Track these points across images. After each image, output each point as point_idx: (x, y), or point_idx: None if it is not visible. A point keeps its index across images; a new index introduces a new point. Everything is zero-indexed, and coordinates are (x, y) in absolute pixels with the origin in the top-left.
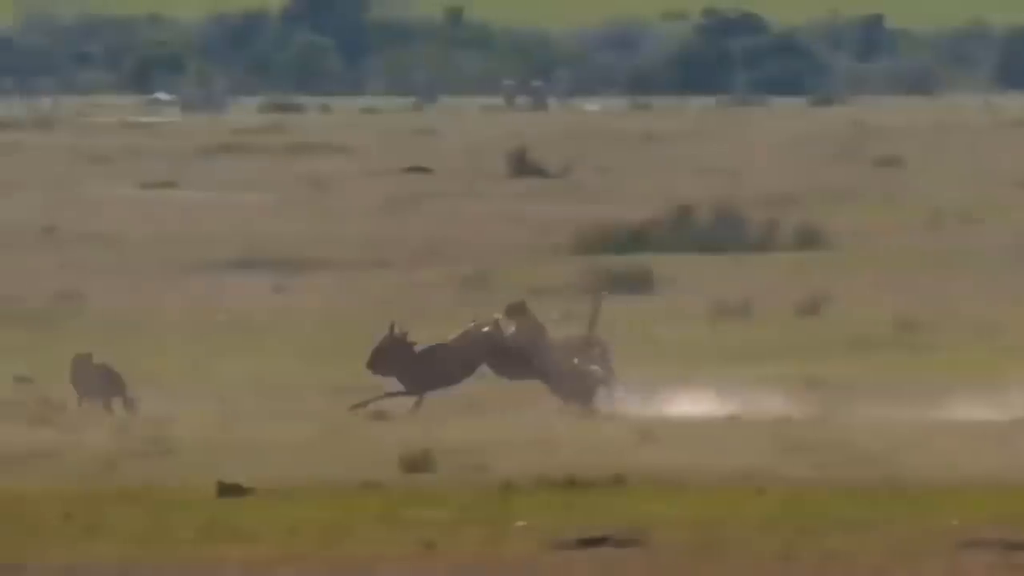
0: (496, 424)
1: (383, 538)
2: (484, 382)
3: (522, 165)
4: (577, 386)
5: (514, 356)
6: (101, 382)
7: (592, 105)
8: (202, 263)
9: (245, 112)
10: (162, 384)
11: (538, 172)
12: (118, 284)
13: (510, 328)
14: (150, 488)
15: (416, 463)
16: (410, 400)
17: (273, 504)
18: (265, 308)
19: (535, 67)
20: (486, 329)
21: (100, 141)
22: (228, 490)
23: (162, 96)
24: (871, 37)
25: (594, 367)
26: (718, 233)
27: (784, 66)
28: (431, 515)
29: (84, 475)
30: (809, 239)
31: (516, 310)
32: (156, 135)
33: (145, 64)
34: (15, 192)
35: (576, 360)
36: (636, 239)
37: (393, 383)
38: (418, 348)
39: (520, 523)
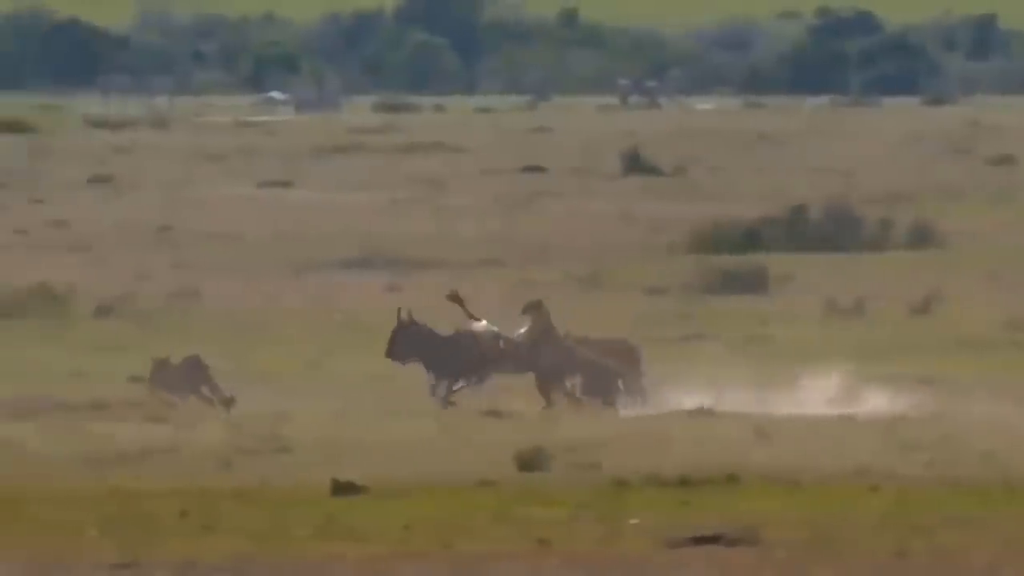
0: (609, 422)
1: (498, 536)
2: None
3: (636, 164)
4: (596, 384)
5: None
6: (182, 376)
7: (705, 104)
8: (317, 262)
9: (359, 112)
10: (277, 382)
11: (652, 171)
12: (233, 283)
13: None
14: (265, 486)
15: (530, 461)
16: (527, 397)
17: (387, 502)
18: (379, 307)
19: (649, 66)
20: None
21: (215, 141)
22: (343, 488)
23: (276, 96)
24: (984, 37)
25: (614, 367)
26: (831, 232)
27: (897, 66)
28: (545, 513)
29: (200, 473)
30: (922, 238)
31: (532, 307)
32: (271, 135)
33: (260, 64)
34: (131, 191)
35: (596, 360)
36: (750, 238)
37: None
38: (443, 333)
39: (633, 521)
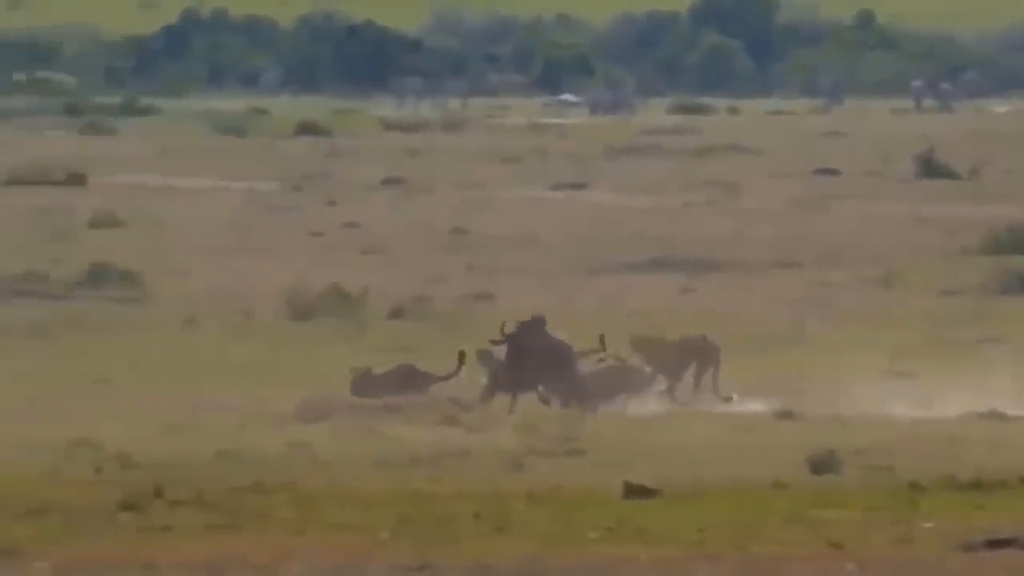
0: (902, 424)
1: (791, 538)
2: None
3: (930, 167)
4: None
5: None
6: (387, 386)
7: (1000, 107)
8: (610, 264)
9: (653, 113)
10: None
11: (946, 174)
12: (527, 285)
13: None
14: (557, 488)
15: (823, 464)
16: (816, 398)
17: (680, 505)
18: (672, 309)
19: (942, 69)
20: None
21: (508, 143)
22: (635, 491)
23: (569, 98)
24: None
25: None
26: None
27: None
28: (838, 516)
29: (492, 475)
30: None
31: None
32: (564, 137)
33: (552, 65)
34: (424, 193)
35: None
36: None
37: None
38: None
39: (927, 524)
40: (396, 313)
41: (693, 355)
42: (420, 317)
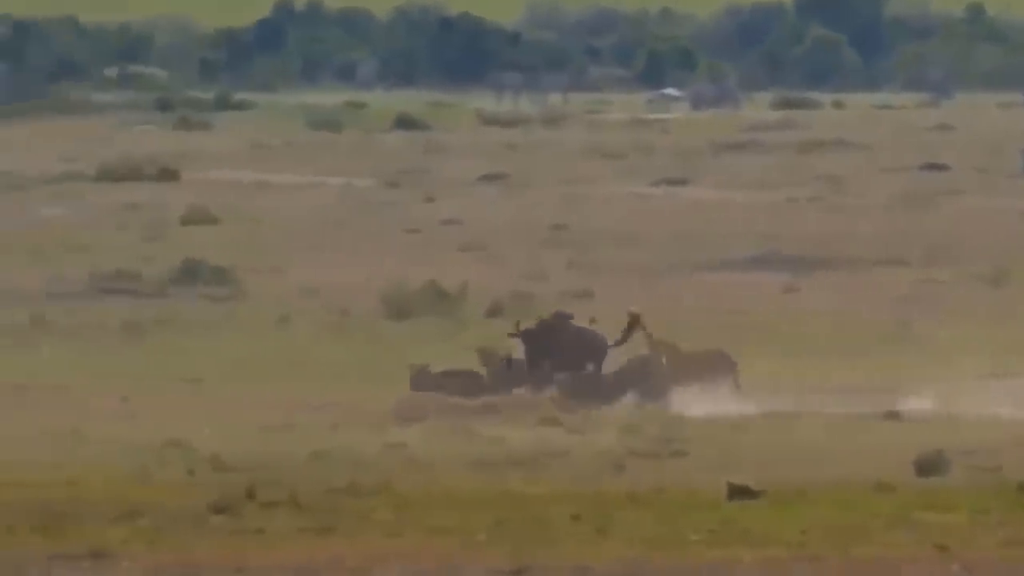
0: (1010, 425)
1: (896, 541)
2: None
3: None
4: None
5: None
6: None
7: None
8: (712, 261)
9: (757, 108)
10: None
11: None
12: (628, 282)
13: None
14: (660, 490)
15: (929, 465)
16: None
17: (784, 506)
18: (776, 308)
19: None
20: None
21: (609, 138)
22: (738, 492)
23: (672, 92)
24: None
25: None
26: None
27: None
28: (945, 518)
29: (593, 476)
30: None
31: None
32: (666, 132)
33: (655, 59)
34: (524, 189)
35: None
36: None
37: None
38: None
39: None
40: (495, 311)
41: (707, 369)
42: (519, 315)
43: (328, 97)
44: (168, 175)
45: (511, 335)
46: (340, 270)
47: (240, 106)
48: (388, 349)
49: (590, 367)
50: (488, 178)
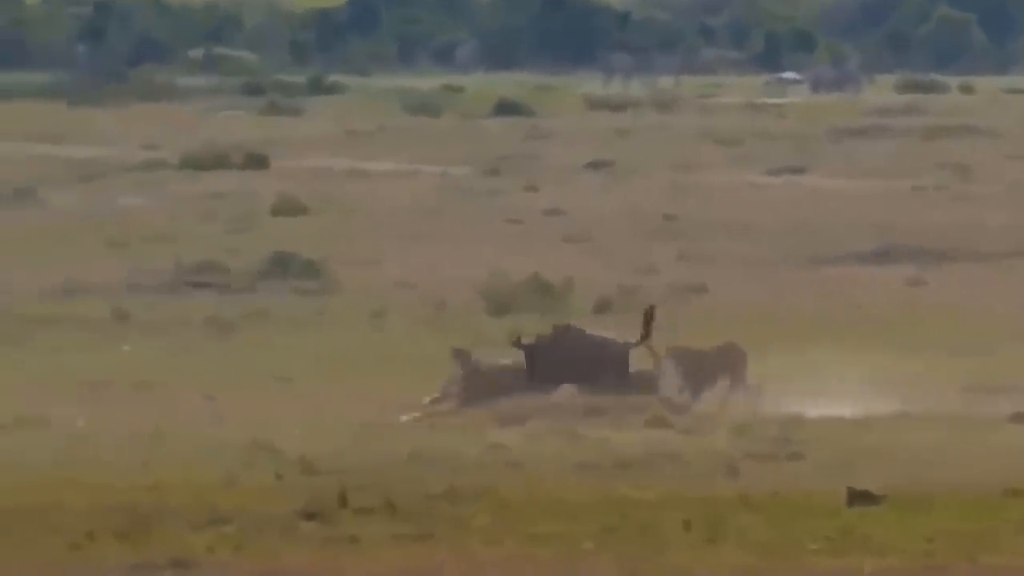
0: None
1: None
2: None
3: None
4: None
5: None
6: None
7: None
8: (831, 254)
9: (880, 91)
10: (788, 383)
11: None
12: (742, 277)
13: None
14: (776, 494)
15: None
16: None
17: (906, 512)
18: (900, 302)
19: None
20: None
21: (723, 123)
22: (859, 497)
23: (790, 75)
24: None
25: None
26: None
27: None
28: None
29: (705, 480)
30: None
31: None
32: (783, 117)
33: (772, 40)
34: (633, 177)
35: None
36: None
37: None
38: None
39: None
40: (602, 306)
41: (724, 366)
42: (628, 310)
43: (425, 80)
44: (256, 163)
45: (514, 345)
46: (437, 262)
47: (332, 90)
48: (488, 346)
49: (611, 377)
50: (594, 165)
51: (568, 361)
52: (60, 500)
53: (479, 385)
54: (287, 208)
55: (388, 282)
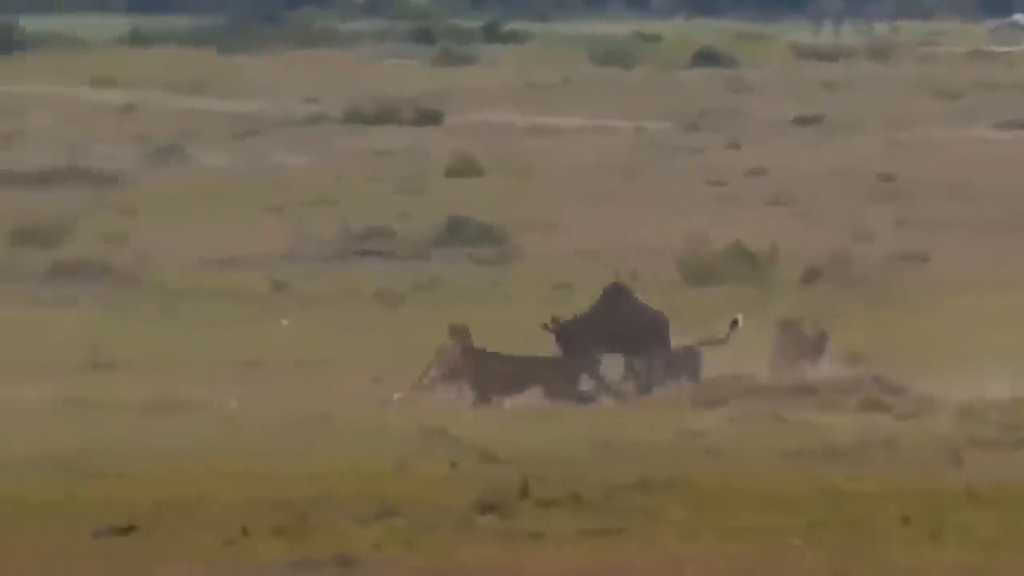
0: None
1: None
2: None
3: None
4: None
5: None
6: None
7: None
8: None
9: None
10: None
11: None
12: (967, 243)
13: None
14: (1002, 486)
15: None
16: None
17: None
18: None
19: None
20: None
21: (946, 73)
22: None
23: (1021, 19)
24: None
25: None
26: None
27: None
28: None
29: (926, 470)
30: None
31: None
32: (1013, 66)
33: None
34: (845, 134)
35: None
36: None
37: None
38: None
39: None
40: (811, 276)
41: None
42: (839, 281)
43: (616, 27)
44: (428, 118)
45: (546, 328)
46: (628, 228)
47: (512, 37)
48: (684, 320)
49: (655, 349)
50: (802, 120)
51: (613, 330)
52: (212, 491)
53: (489, 373)
54: (462, 168)
55: (573, 250)
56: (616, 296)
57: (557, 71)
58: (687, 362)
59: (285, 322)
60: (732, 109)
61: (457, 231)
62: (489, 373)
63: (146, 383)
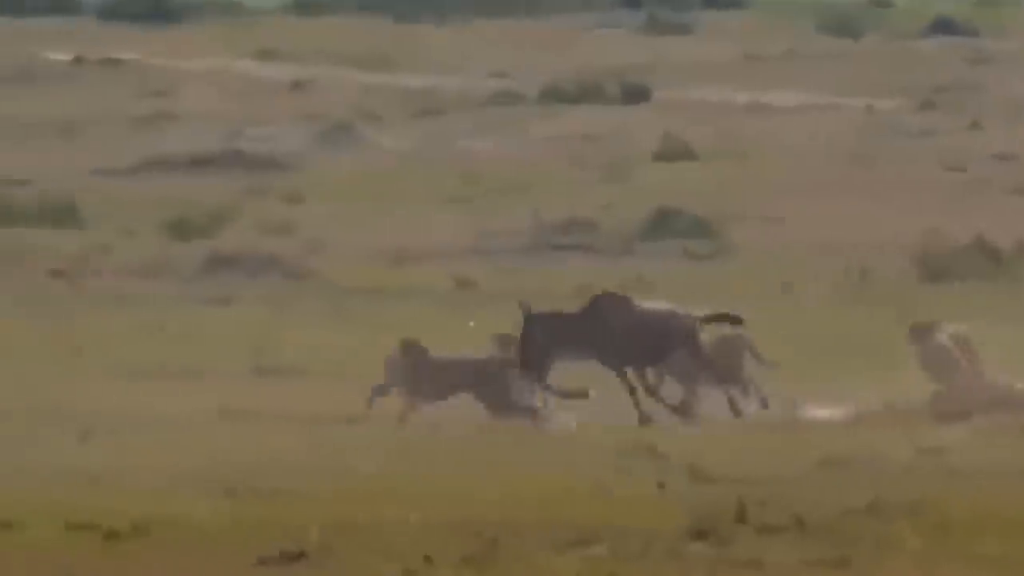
0: None
1: None
2: None
3: None
4: None
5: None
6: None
7: None
8: None
9: None
10: None
11: None
12: None
13: None
14: None
15: None
16: None
17: None
18: None
19: None
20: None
21: None
22: None
23: None
24: None
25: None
26: None
27: None
28: None
29: None
30: None
31: None
32: None
33: None
34: None
35: None
36: None
37: None
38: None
39: None
40: None
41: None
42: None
43: None
44: (635, 95)
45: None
46: (859, 220)
47: (730, 4)
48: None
49: (679, 355)
50: None
51: (598, 340)
52: (390, 514)
53: (431, 379)
54: (672, 152)
55: (797, 244)
56: (608, 305)
57: (780, 42)
58: (732, 354)
59: (471, 323)
60: (973, 85)
61: (666, 223)
62: (420, 376)
63: (315, 391)
